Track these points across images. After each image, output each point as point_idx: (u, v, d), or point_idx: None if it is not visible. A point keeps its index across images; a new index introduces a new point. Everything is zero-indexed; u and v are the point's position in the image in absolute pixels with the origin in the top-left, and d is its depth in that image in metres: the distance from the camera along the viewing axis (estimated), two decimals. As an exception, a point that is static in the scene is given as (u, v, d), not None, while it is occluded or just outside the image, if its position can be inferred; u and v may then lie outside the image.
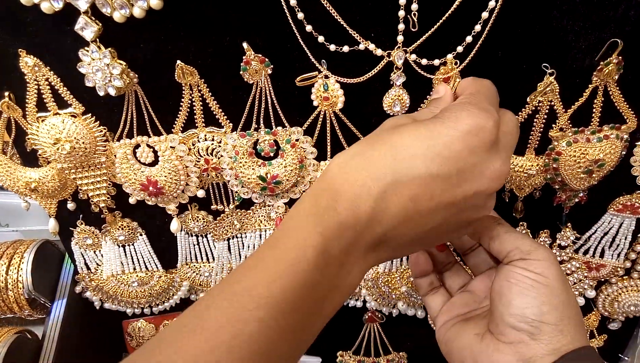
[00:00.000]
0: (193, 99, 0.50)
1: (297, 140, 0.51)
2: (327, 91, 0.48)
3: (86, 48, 0.46)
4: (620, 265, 0.60)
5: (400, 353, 0.76)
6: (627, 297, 0.64)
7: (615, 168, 0.51)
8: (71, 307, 0.66)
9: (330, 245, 0.32)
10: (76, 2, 0.43)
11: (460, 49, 0.44)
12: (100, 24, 0.44)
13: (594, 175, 0.51)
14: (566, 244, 0.59)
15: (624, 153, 0.50)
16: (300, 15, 0.43)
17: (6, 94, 0.50)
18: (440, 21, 0.43)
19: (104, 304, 0.70)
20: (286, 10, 0.43)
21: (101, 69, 0.46)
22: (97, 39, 0.45)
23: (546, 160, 0.51)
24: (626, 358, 0.73)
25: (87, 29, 0.44)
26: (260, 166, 0.52)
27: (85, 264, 0.65)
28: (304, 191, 0.55)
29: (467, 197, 0.32)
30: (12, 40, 0.47)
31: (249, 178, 0.53)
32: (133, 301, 0.67)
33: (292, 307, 0.31)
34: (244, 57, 0.46)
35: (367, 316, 0.71)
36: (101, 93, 0.48)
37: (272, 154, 0.52)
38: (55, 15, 0.44)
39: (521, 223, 0.59)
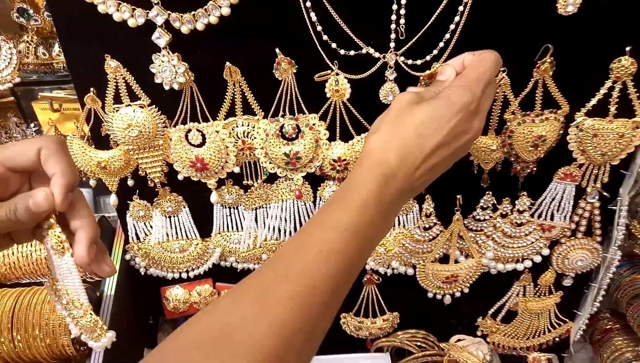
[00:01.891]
0: (235, 93, 0.66)
1: (314, 124, 0.67)
2: (338, 85, 0.64)
3: (158, 53, 0.61)
4: (566, 226, 0.76)
5: (394, 313, 0.90)
6: (574, 254, 0.79)
7: (556, 144, 0.67)
8: (121, 272, 0.80)
9: (384, 191, 0.46)
10: (155, 19, 0.59)
11: (435, 51, 0.61)
12: (171, 35, 0.60)
13: (539, 148, 0.67)
14: (523, 209, 0.75)
15: (561, 132, 0.67)
16: (319, 28, 0.60)
17: (92, 90, 0.65)
18: (421, 32, 0.59)
19: (147, 270, 0.83)
20: (308, 24, 0.60)
21: (169, 68, 0.62)
22: (167, 46, 0.61)
23: (503, 138, 0.67)
24: (579, 313, 0.88)
25: (161, 38, 0.60)
26: (285, 145, 0.68)
27: (136, 234, 0.79)
28: (318, 166, 0.70)
29: (460, 146, 0.49)
30: (100, 47, 0.62)
31: (276, 155, 0.68)
32: (173, 266, 0.81)
33: (361, 234, 0.44)
34: (276, 60, 0.62)
35: (366, 279, 0.85)
36: (167, 88, 0.63)
37: (294, 136, 0.67)
38: (136, 28, 0.60)
39: (487, 191, 0.74)
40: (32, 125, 0.84)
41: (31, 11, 0.66)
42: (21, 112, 0.82)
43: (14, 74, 0.70)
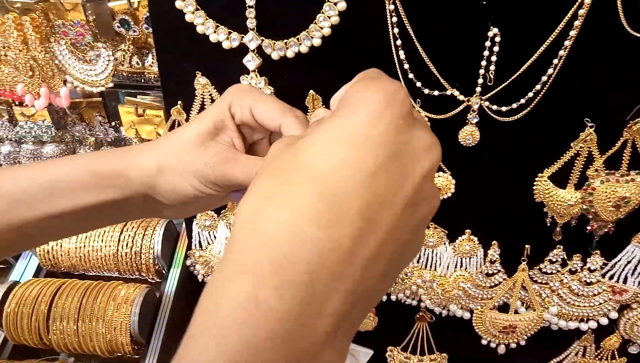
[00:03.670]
0: (313, 119, 0.67)
1: (387, 158, 0.67)
2: (417, 123, 0.63)
3: (247, 75, 0.63)
4: (640, 292, 0.72)
5: (443, 354, 0.88)
6: (646, 322, 0.75)
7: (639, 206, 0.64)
8: (181, 277, 0.82)
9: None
10: (248, 43, 0.61)
11: (523, 100, 0.59)
12: (261, 59, 0.62)
13: (621, 209, 0.64)
14: (595, 268, 0.72)
15: (647, 194, 0.64)
16: (406, 66, 0.60)
17: (179, 102, 0.68)
18: (510, 80, 0.58)
19: (205, 278, 0.85)
20: (396, 61, 0.60)
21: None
22: (256, 69, 0.63)
23: (583, 194, 0.65)
24: (644, 382, 0.83)
25: (251, 62, 0.62)
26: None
27: (199, 242, 0.81)
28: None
29: (416, 186, 0.23)
30: (193, 65, 0.65)
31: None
32: (230, 277, 0.83)
33: None
34: (359, 92, 0.63)
35: (418, 315, 0.84)
36: (249, 108, 0.65)
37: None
38: (229, 50, 0.62)
39: (558, 245, 0.72)
40: (112, 123, 0.88)
41: (131, 23, 0.70)
42: (106, 112, 0.87)
43: (109, 79, 0.74)
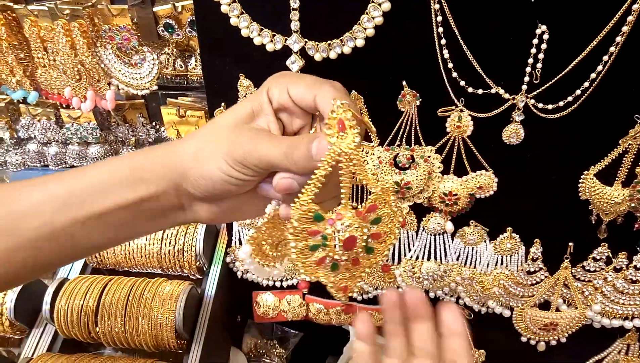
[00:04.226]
0: (355, 119, 0.67)
1: (429, 156, 0.67)
2: (460, 122, 0.63)
3: (289, 76, 0.64)
4: (688, 290, 0.71)
5: (481, 350, 0.88)
6: (693, 321, 0.73)
7: (690, 204, 0.63)
8: (221, 273, 0.84)
9: None
10: (292, 45, 0.61)
11: (570, 98, 0.59)
12: (304, 61, 0.62)
13: (670, 207, 0.63)
14: (641, 266, 0.71)
15: (697, 192, 0.62)
16: (450, 65, 0.60)
17: (222, 104, 0.69)
18: (557, 77, 0.57)
19: (244, 275, 0.87)
20: (440, 61, 0.60)
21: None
22: (299, 71, 0.63)
23: (631, 191, 0.64)
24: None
25: (295, 63, 0.63)
26: (397, 173, 0.68)
27: (239, 239, 0.82)
28: (427, 197, 0.70)
29: None
30: (236, 67, 0.66)
31: (387, 182, 0.69)
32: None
33: None
34: (402, 92, 0.63)
35: (457, 313, 0.84)
36: (292, 109, 0.66)
37: (407, 166, 0.68)
38: (272, 52, 0.63)
39: (603, 243, 0.71)
40: (153, 124, 0.90)
41: (175, 26, 0.71)
42: (147, 113, 0.89)
43: (153, 81, 0.76)
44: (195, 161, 0.37)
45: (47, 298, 0.74)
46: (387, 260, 0.34)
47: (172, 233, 0.80)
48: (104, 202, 0.37)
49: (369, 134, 0.68)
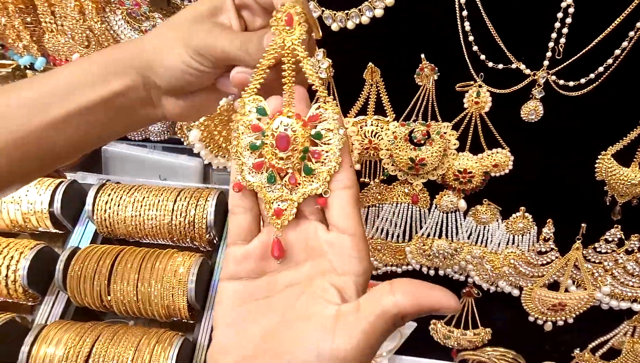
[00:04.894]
0: (370, 93, 0.66)
1: (445, 133, 0.66)
2: (479, 98, 0.62)
3: (305, 47, 0.63)
4: (700, 273, 0.70)
5: (487, 329, 0.88)
6: (703, 304, 0.73)
7: None
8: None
9: None
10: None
11: (592, 75, 0.57)
12: (321, 32, 0.61)
13: (688, 189, 0.62)
14: (654, 248, 0.70)
15: None
16: (471, 38, 0.58)
17: (236, 74, 0.68)
18: (581, 53, 0.56)
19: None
20: (460, 33, 0.58)
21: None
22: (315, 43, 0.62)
23: (648, 172, 0.63)
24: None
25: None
26: (412, 150, 0.67)
27: (250, 213, 0.82)
28: (441, 174, 0.69)
29: None
30: (251, 36, 0.65)
31: (401, 159, 0.68)
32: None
33: None
34: (419, 65, 0.62)
35: (465, 291, 0.84)
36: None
37: (422, 142, 0.67)
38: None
39: (616, 225, 0.70)
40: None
41: None
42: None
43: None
44: (157, 51, 0.38)
45: (60, 265, 0.75)
46: (327, 195, 0.30)
47: (183, 205, 0.80)
48: (74, 101, 0.38)
49: (385, 108, 0.67)
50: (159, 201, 0.81)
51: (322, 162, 0.32)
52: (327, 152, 0.32)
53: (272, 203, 0.33)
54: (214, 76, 0.39)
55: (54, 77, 0.40)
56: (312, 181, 0.32)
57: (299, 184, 0.33)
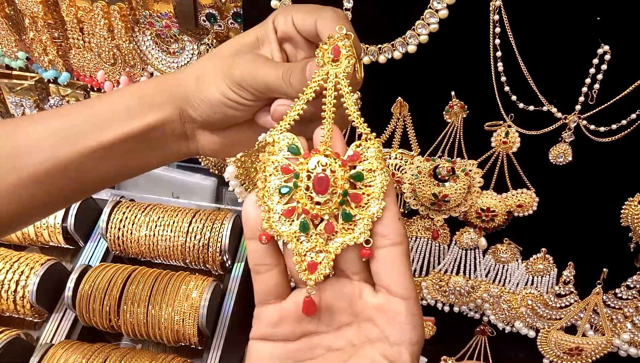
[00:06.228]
0: (396, 127, 0.66)
1: (470, 170, 0.65)
2: (507, 137, 0.62)
3: (335, 78, 0.62)
4: None
5: (499, 368, 0.86)
6: None
7: None
8: (244, 271, 0.83)
9: None
10: (341, 46, 0.60)
11: (624, 121, 0.57)
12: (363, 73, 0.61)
13: None
14: (677, 297, 0.69)
15: None
16: (503, 79, 0.58)
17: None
18: (614, 100, 0.56)
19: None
20: (492, 73, 0.58)
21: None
22: (346, 73, 0.62)
23: (676, 221, 0.62)
24: None
25: (342, 65, 0.61)
26: (435, 185, 0.66)
27: (265, 238, 0.81)
28: (463, 211, 0.69)
29: None
30: (280, 64, 0.65)
31: (424, 194, 0.67)
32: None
33: None
34: (450, 102, 0.61)
35: (479, 329, 0.82)
36: (334, 111, 0.64)
37: (446, 178, 0.66)
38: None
39: (639, 272, 0.69)
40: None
41: (217, 17, 0.70)
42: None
43: (191, 72, 0.74)
44: (196, 84, 0.37)
45: (70, 284, 0.73)
46: (369, 245, 0.29)
47: (198, 227, 0.79)
48: (109, 133, 0.37)
49: (410, 143, 0.66)
50: (174, 221, 0.80)
51: (363, 207, 0.29)
52: (368, 195, 0.29)
53: (305, 255, 0.29)
54: (252, 109, 0.37)
55: (90, 107, 0.39)
56: (352, 229, 0.29)
57: (336, 232, 0.29)
